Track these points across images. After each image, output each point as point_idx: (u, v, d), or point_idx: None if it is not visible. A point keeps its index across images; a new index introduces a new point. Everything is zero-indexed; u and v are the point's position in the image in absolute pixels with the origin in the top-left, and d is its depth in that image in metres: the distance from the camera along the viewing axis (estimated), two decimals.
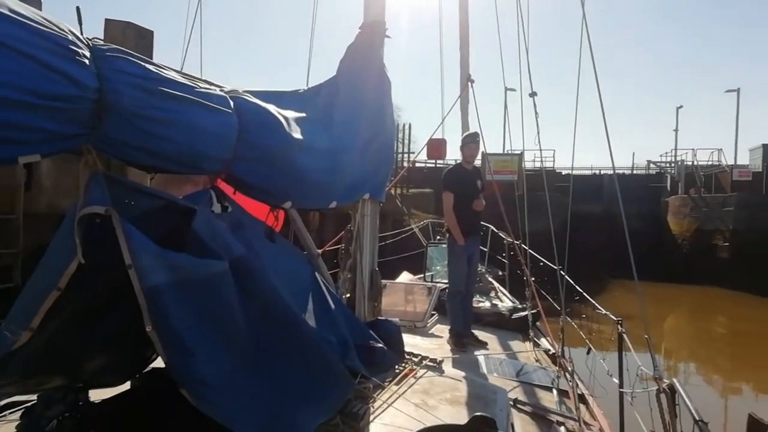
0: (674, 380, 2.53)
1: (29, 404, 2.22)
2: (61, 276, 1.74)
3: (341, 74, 3.38)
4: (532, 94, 4.91)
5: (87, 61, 1.60)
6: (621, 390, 3.52)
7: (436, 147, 9.44)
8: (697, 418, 2.18)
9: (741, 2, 75.08)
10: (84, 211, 1.71)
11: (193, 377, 1.88)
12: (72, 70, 1.54)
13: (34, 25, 1.48)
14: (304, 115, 2.82)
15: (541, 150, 5.75)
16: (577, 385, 4.06)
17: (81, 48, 1.59)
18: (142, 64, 1.82)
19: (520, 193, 6.69)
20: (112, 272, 1.81)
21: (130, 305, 1.80)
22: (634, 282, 3.22)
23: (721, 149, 29.04)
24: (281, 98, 2.81)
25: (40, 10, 1.60)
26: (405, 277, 7.94)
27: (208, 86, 2.19)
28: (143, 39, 8.41)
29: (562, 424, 3.38)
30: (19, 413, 2.21)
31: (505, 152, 21.42)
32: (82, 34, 1.64)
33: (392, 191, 13.61)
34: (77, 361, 2.17)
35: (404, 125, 21.21)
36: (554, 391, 3.99)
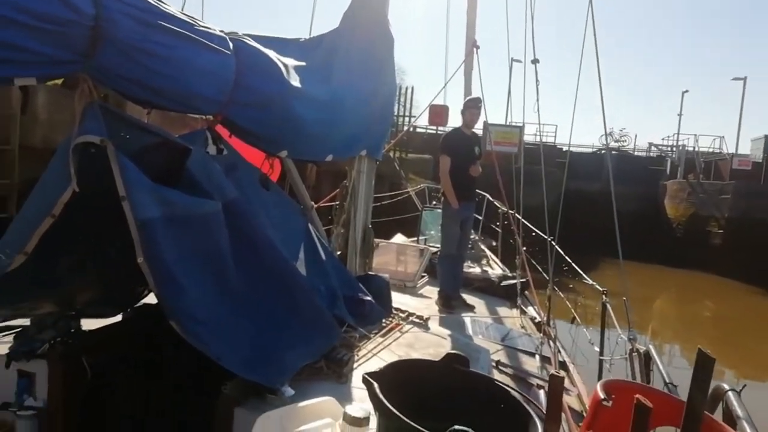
0: (650, 346, 2.61)
1: (22, 328, 2.27)
2: (55, 203, 1.76)
3: (344, 26, 3.35)
4: (534, 61, 4.88)
5: None
6: (600, 358, 3.61)
7: (438, 113, 9.39)
8: (668, 381, 2.26)
9: None
10: (79, 140, 1.72)
11: (183, 310, 1.92)
12: None
13: None
14: (303, 64, 2.80)
15: (540, 123, 5.78)
16: (560, 352, 4.15)
17: None
18: None
19: (518, 166, 6.71)
20: (105, 203, 1.83)
21: (123, 237, 1.83)
22: (620, 257, 3.28)
23: (723, 137, 28.94)
24: (282, 45, 2.79)
25: None
26: (399, 239, 8.00)
27: (207, 26, 2.17)
28: None
29: (542, 387, 3.47)
30: (12, 336, 2.26)
31: (507, 124, 21.24)
32: None
33: (391, 154, 13.58)
34: (70, 289, 2.22)
35: (407, 88, 20.97)
36: (537, 356, 4.08)
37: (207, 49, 2.07)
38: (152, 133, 2.07)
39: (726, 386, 1.98)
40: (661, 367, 2.43)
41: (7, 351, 2.18)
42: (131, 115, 2.04)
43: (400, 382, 1.77)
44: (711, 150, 28.40)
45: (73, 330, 2.27)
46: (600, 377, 3.77)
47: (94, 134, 1.73)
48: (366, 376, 1.72)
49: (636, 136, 57.51)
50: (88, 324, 2.42)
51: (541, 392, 3.42)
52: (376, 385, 1.66)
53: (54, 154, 1.86)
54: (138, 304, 2.61)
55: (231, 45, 2.23)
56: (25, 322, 2.28)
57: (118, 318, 2.56)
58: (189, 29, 2.00)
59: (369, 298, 3.21)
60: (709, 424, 1.75)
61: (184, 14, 2.09)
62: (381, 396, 1.62)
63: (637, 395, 1.36)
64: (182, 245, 1.94)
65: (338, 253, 4.02)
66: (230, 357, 2.00)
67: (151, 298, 2.50)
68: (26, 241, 1.78)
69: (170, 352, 2.33)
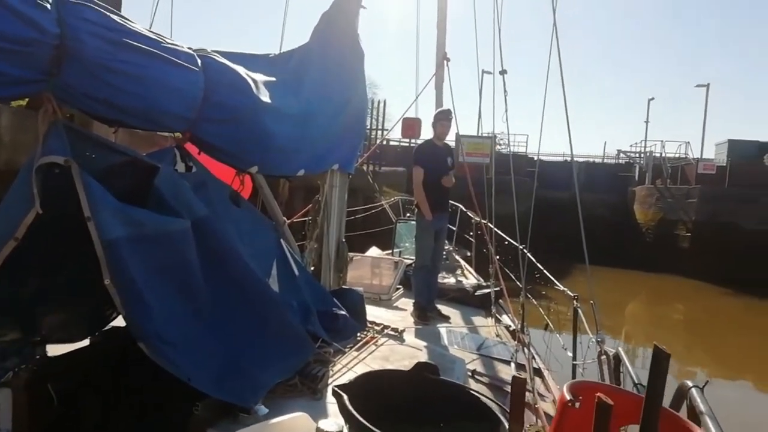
0: (619, 349, 2.66)
1: None
2: (18, 225, 1.72)
3: (314, 41, 3.36)
4: (502, 72, 4.96)
5: (48, 6, 1.57)
6: (574, 362, 3.65)
7: (411, 126, 9.45)
8: (636, 382, 2.30)
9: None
10: (42, 161, 1.69)
11: (151, 331, 1.89)
12: (32, 14, 1.52)
13: None
14: (273, 79, 2.81)
15: (508, 132, 5.90)
16: (534, 359, 4.19)
17: None
18: (108, 14, 1.79)
19: (489, 176, 6.78)
20: (70, 224, 1.80)
21: (88, 258, 1.80)
22: (587, 263, 3.34)
23: (688, 142, 29.78)
24: (251, 61, 2.79)
25: None
26: (373, 251, 7.99)
27: (175, 44, 2.17)
28: None
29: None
30: None
31: (479, 135, 21.49)
32: None
33: (364, 167, 13.61)
34: (35, 314, 2.16)
35: (379, 102, 21.09)
36: (512, 364, 4.10)
37: (175, 66, 2.07)
38: (119, 152, 2.04)
39: (690, 383, 2.02)
40: (630, 368, 2.48)
41: None
42: (97, 134, 2.01)
43: (370, 393, 1.77)
44: (677, 155, 29.15)
45: (38, 356, 2.20)
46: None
47: (58, 154, 1.71)
48: (335, 389, 1.72)
49: (605, 143, 58.77)
50: (54, 349, 2.36)
51: None
52: (345, 396, 1.66)
53: (17, 176, 1.83)
54: (106, 327, 2.55)
55: (199, 62, 2.23)
56: None
57: (86, 342, 2.50)
58: (156, 47, 1.99)
59: (343, 312, 3.20)
60: (672, 420, 1.78)
61: (152, 32, 2.08)
62: (350, 407, 1.62)
63: (598, 393, 1.39)
64: (150, 265, 1.92)
65: (312, 268, 4.01)
66: (201, 377, 1.97)
67: (120, 321, 2.46)
68: None
69: (139, 375, 2.28)
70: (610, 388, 2.24)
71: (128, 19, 1.94)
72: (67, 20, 1.63)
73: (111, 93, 1.84)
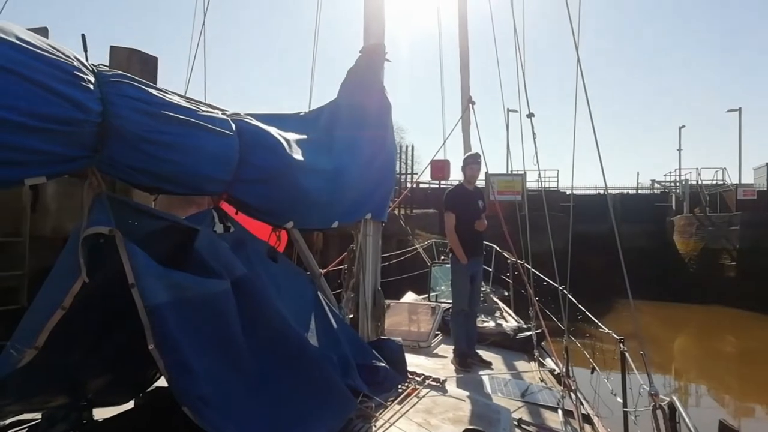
0: (673, 398, 2.53)
1: (34, 422, 2.23)
2: (66, 295, 1.77)
3: (342, 97, 3.45)
4: (530, 115, 4.97)
5: (91, 86, 1.65)
6: (624, 409, 3.50)
7: (440, 168, 9.52)
8: None
9: (742, 25, 75.79)
10: (88, 231, 1.75)
11: (195, 395, 1.89)
12: (76, 95, 1.59)
13: (40, 52, 1.54)
14: (305, 136, 2.88)
15: (539, 170, 5.84)
16: (582, 404, 4.03)
17: (86, 73, 1.65)
18: (146, 88, 1.88)
19: (523, 214, 6.72)
20: (115, 291, 1.84)
21: (133, 324, 1.83)
22: (631, 300, 3.22)
23: (725, 168, 29.04)
24: (283, 121, 2.87)
25: (47, 38, 1.66)
26: (409, 297, 7.93)
27: (210, 110, 2.25)
28: (148, 65, 8.57)
29: None
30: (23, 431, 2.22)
31: (509, 173, 21.43)
32: (87, 60, 1.70)
33: (396, 212, 13.66)
34: (81, 379, 2.19)
35: (407, 146, 21.38)
36: (559, 411, 3.96)
37: (211, 133, 2.14)
38: (159, 218, 2.11)
39: None
40: (688, 421, 2.34)
41: None
42: (138, 201, 2.08)
43: None
44: (714, 182, 28.46)
45: (85, 421, 2.23)
46: (625, 430, 3.64)
47: (102, 225, 1.76)
48: None
49: (638, 173, 57.90)
50: (101, 413, 2.38)
51: None
52: None
53: (64, 246, 1.89)
54: (150, 388, 2.57)
55: (233, 126, 2.31)
56: (37, 416, 2.24)
57: (131, 404, 2.52)
58: (192, 116, 2.07)
59: (383, 364, 3.15)
60: None
61: (187, 99, 2.17)
62: None
63: None
64: (192, 328, 1.94)
65: (350, 317, 3.99)
66: None
67: (163, 381, 2.47)
68: (37, 336, 1.79)
69: None
70: None
71: (165, 91, 2.02)
72: (109, 98, 1.71)
73: (152, 163, 1.91)
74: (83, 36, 1.75)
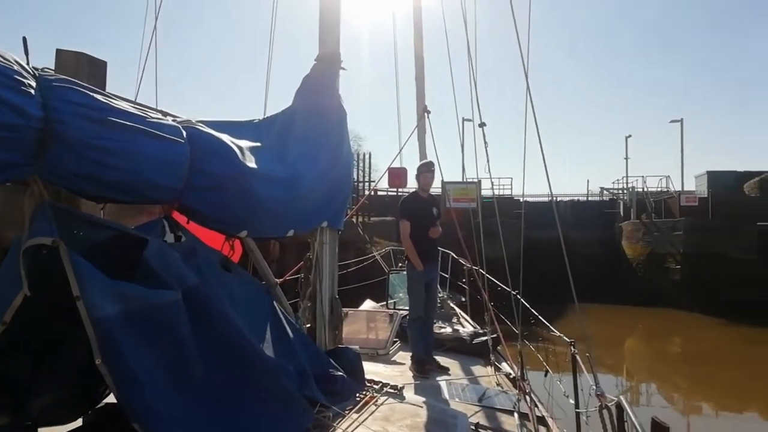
0: (621, 398, 2.62)
1: None
2: (6, 309, 1.69)
3: (297, 104, 3.44)
4: (482, 125, 5.08)
5: (32, 91, 1.59)
6: (576, 410, 3.59)
7: (397, 175, 9.60)
8: None
9: (684, 39, 79.56)
10: (30, 243, 1.68)
11: (145, 410, 1.84)
12: (16, 100, 1.53)
13: None
14: (259, 144, 2.84)
15: (491, 178, 5.98)
16: (537, 407, 4.11)
17: (26, 78, 1.59)
18: (90, 93, 1.82)
19: (477, 221, 6.83)
20: (60, 304, 1.77)
21: (79, 338, 1.76)
22: (576, 304, 3.33)
23: (668, 176, 30.26)
24: (236, 128, 2.83)
25: None
26: (368, 304, 7.92)
27: (160, 116, 2.20)
28: (96, 69, 8.28)
29: None
30: None
31: (464, 180, 21.74)
32: (28, 63, 1.64)
33: (354, 219, 13.65)
34: (25, 397, 2.09)
35: (364, 154, 21.43)
36: (515, 414, 4.02)
37: (159, 140, 2.09)
38: (106, 228, 2.04)
39: None
40: (633, 419, 2.43)
41: None
42: (84, 211, 2.01)
43: None
44: (659, 189, 29.61)
45: None
46: (578, 430, 3.73)
47: (45, 235, 1.69)
48: None
49: (588, 181, 59.82)
50: None
51: None
52: None
53: (4, 258, 1.81)
54: (99, 405, 2.48)
55: (184, 133, 2.26)
56: None
57: (79, 422, 2.42)
58: (140, 122, 2.02)
59: (340, 373, 3.14)
60: None
61: (136, 105, 2.11)
62: None
63: None
64: (142, 340, 1.88)
65: (307, 326, 3.95)
66: None
67: (112, 397, 2.38)
68: None
69: None
70: None
71: (112, 96, 1.97)
72: (51, 103, 1.65)
73: (97, 170, 1.85)
74: (24, 39, 1.68)
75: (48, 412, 2.24)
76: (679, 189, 29.09)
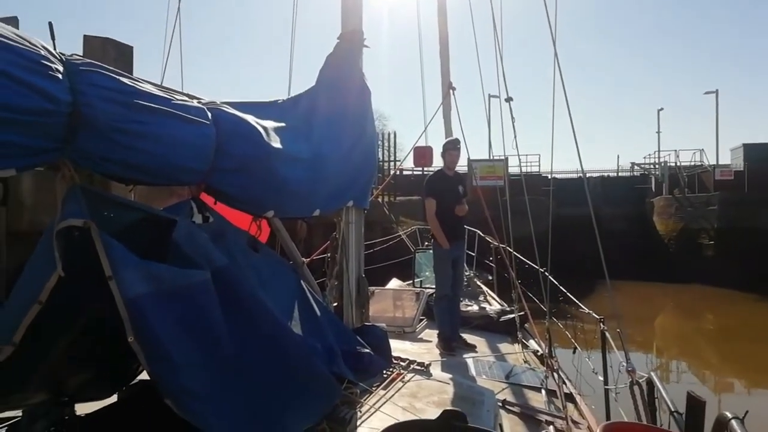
0: (652, 374, 2.59)
1: (14, 420, 2.21)
2: (42, 289, 1.74)
3: (321, 84, 3.42)
4: (508, 99, 4.99)
5: (60, 76, 1.62)
6: (606, 387, 3.57)
7: (423, 154, 9.51)
8: (673, 410, 2.23)
9: (719, 7, 76.56)
10: (62, 225, 1.72)
11: (177, 387, 1.88)
12: (44, 85, 1.55)
13: (5, 41, 1.50)
14: (283, 124, 2.85)
15: (519, 154, 5.87)
16: (565, 384, 4.10)
17: (53, 63, 1.61)
18: (117, 77, 1.84)
19: (504, 199, 6.76)
20: (93, 284, 1.82)
21: (112, 317, 1.81)
22: (608, 280, 3.28)
23: (702, 149, 29.48)
24: (260, 109, 2.84)
25: (17, 28, 1.62)
26: (394, 283, 7.96)
27: (185, 98, 2.21)
28: (123, 54, 8.41)
29: (551, 423, 3.41)
30: (3, 430, 2.19)
31: (490, 158, 21.51)
32: (55, 49, 1.66)
33: (379, 199, 13.66)
34: (62, 375, 2.17)
35: (389, 134, 21.37)
36: (543, 391, 4.02)
37: (186, 122, 2.11)
38: (136, 210, 2.08)
39: (729, 414, 1.94)
40: (665, 394, 2.40)
41: None
42: (114, 193, 2.05)
43: None
44: (692, 164, 28.85)
45: (67, 417, 2.21)
46: (607, 408, 3.72)
47: (76, 217, 1.73)
48: None
49: (618, 156, 58.53)
50: (83, 408, 2.36)
51: (551, 428, 3.36)
52: None
53: (39, 241, 1.86)
54: (133, 381, 2.56)
55: (210, 114, 2.27)
56: (17, 413, 2.21)
57: (113, 399, 2.50)
58: (166, 104, 2.03)
59: (368, 350, 3.17)
60: None
61: (162, 88, 2.13)
62: None
63: None
64: (173, 319, 1.92)
65: (334, 305, 3.99)
66: (230, 429, 1.96)
67: (146, 374, 2.46)
68: (14, 331, 1.76)
69: (169, 430, 2.27)
70: (645, 430, 2.16)
71: (138, 80, 1.99)
72: (78, 87, 1.67)
73: (125, 153, 1.87)
74: (50, 24, 1.71)
75: (84, 389, 2.32)
76: (714, 163, 28.28)
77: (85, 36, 8.29)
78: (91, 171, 1.89)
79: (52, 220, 1.78)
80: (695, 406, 1.27)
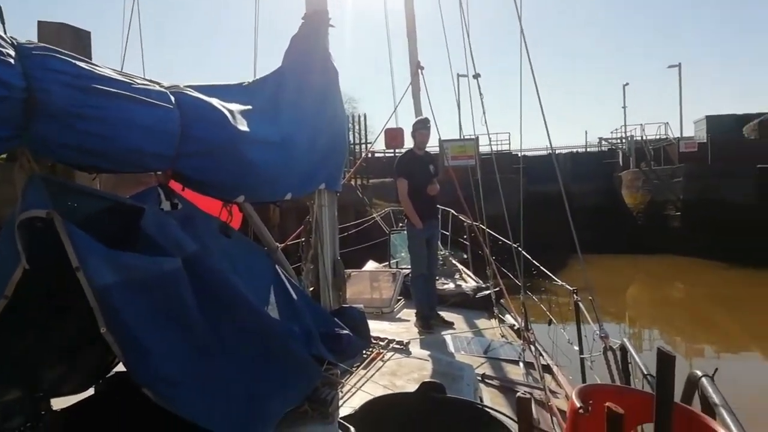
0: (624, 340, 2.66)
1: None
2: (6, 284, 1.69)
3: (286, 65, 3.36)
4: (476, 76, 5.01)
5: (12, 61, 1.55)
6: (581, 356, 3.65)
7: (394, 136, 9.49)
8: (645, 373, 2.29)
9: None
10: (23, 216, 1.66)
11: (153, 375, 1.86)
12: None
13: None
14: (250, 107, 2.79)
15: (488, 133, 5.89)
16: (541, 356, 4.19)
17: (4, 47, 1.54)
18: (73, 62, 1.77)
19: (476, 178, 6.81)
20: (60, 276, 1.77)
21: (83, 308, 1.77)
22: (579, 253, 3.34)
23: (667, 123, 30.14)
24: (225, 91, 2.77)
25: None
26: (370, 265, 7.98)
27: (147, 83, 2.15)
28: (80, 40, 8.13)
29: (530, 394, 3.48)
30: None
31: (461, 137, 21.59)
32: (5, 33, 1.59)
33: (352, 182, 13.61)
34: (35, 369, 2.12)
35: (359, 116, 21.25)
36: (521, 364, 4.10)
37: (147, 106, 2.05)
38: (101, 198, 2.02)
39: (699, 373, 2.00)
40: (637, 358, 2.47)
41: None
42: (77, 183, 1.99)
43: (377, 420, 1.75)
44: (658, 137, 29.42)
45: (43, 412, 2.16)
46: (583, 376, 3.81)
47: (38, 208, 1.68)
48: (342, 422, 1.69)
49: (586, 132, 59.37)
50: (60, 402, 2.32)
51: (525, 389, 3.43)
52: (352, 429, 1.64)
53: (0, 234, 1.80)
54: (110, 374, 2.51)
55: (173, 98, 2.21)
56: None
57: (91, 391, 2.46)
58: (126, 88, 1.97)
59: (346, 331, 3.16)
60: (686, 416, 1.76)
61: (122, 73, 2.06)
62: None
63: (607, 404, 1.37)
64: (145, 308, 1.89)
65: (311, 289, 3.97)
66: (210, 416, 1.94)
67: (122, 366, 2.42)
68: None
69: (148, 421, 2.25)
70: (619, 390, 2.22)
71: (96, 64, 1.92)
72: (32, 73, 1.60)
73: (84, 139, 1.81)
74: None
75: (59, 383, 2.27)
76: (678, 136, 28.90)
77: (39, 21, 7.98)
78: (50, 159, 1.83)
79: (12, 212, 1.72)
80: (665, 359, 1.30)
